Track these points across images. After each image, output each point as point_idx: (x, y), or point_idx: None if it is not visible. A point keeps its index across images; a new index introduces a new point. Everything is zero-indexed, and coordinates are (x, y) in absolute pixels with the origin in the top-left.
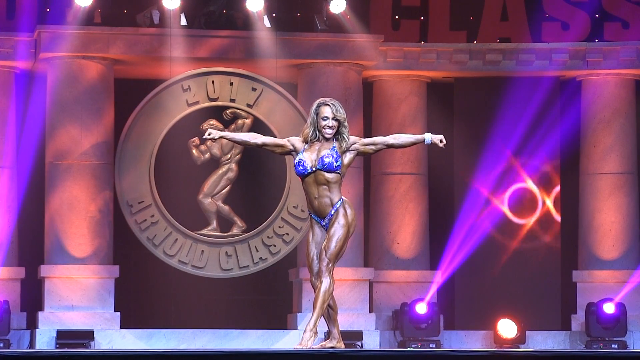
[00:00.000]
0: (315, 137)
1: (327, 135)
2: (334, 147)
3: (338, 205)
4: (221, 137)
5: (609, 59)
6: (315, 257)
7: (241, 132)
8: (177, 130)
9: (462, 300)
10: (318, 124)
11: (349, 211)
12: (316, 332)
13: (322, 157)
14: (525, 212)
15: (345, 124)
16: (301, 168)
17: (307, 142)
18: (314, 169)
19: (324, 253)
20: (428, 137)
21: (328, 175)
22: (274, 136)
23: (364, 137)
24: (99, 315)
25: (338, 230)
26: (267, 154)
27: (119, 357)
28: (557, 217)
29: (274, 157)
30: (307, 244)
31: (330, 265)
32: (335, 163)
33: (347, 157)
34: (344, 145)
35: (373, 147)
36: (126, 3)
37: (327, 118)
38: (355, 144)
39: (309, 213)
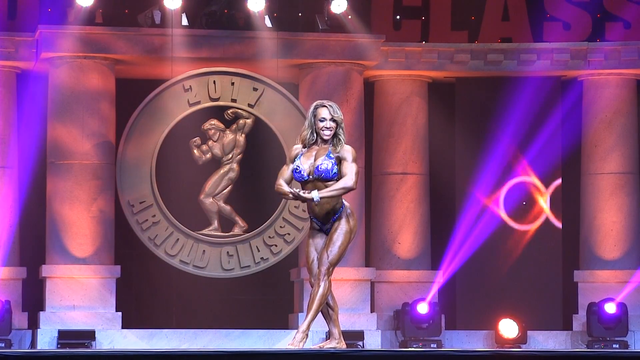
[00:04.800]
0: (314, 140)
1: (325, 137)
2: (330, 152)
3: (341, 211)
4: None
5: (610, 59)
6: (315, 259)
7: (242, 131)
8: (178, 130)
9: (463, 300)
10: (316, 126)
11: (351, 217)
12: (307, 335)
13: (318, 166)
14: (526, 211)
15: (342, 125)
16: (298, 175)
17: (305, 146)
18: (311, 176)
19: (325, 257)
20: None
21: (327, 183)
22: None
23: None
24: (101, 315)
25: (340, 236)
26: (268, 154)
27: (120, 357)
28: (559, 218)
29: (275, 157)
30: (307, 246)
31: (331, 269)
32: (332, 171)
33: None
34: (339, 149)
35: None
36: (127, 3)
37: (325, 119)
38: (340, 157)
39: (310, 216)
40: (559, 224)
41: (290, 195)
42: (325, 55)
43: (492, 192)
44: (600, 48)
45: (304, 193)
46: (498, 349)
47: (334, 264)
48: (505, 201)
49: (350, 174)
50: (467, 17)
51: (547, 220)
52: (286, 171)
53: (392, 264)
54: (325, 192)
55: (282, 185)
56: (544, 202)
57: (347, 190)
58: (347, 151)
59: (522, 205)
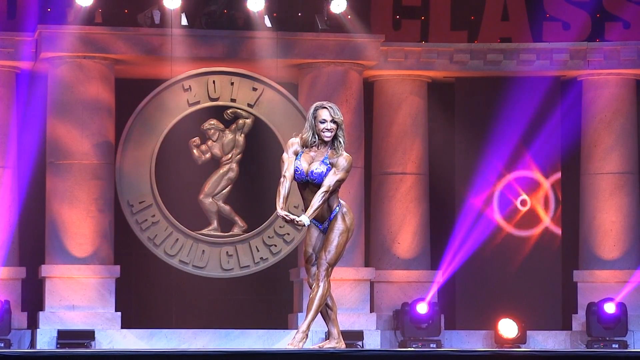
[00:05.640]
0: (314, 142)
1: (325, 139)
2: (326, 157)
3: (337, 211)
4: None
5: (609, 59)
6: (313, 259)
7: (242, 131)
8: (177, 130)
9: (462, 300)
10: (316, 128)
11: (347, 216)
12: (307, 335)
13: (311, 171)
14: (525, 211)
15: (343, 126)
16: (297, 175)
17: (305, 147)
18: (307, 177)
19: (324, 257)
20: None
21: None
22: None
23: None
24: (100, 315)
25: (337, 236)
26: (267, 154)
27: (119, 357)
28: (558, 217)
29: (275, 157)
30: (304, 246)
31: (329, 269)
32: (324, 177)
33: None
34: (338, 152)
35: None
36: (127, 3)
37: (325, 121)
38: (335, 164)
39: None
40: (558, 225)
41: (283, 219)
42: (325, 55)
43: (491, 191)
44: (600, 48)
45: (296, 222)
46: (497, 349)
47: (332, 264)
48: (504, 201)
49: (324, 185)
50: (467, 17)
51: (547, 220)
52: (291, 166)
53: (391, 263)
54: (311, 212)
55: (280, 197)
56: (543, 202)
57: (325, 198)
58: (342, 159)
59: (521, 205)
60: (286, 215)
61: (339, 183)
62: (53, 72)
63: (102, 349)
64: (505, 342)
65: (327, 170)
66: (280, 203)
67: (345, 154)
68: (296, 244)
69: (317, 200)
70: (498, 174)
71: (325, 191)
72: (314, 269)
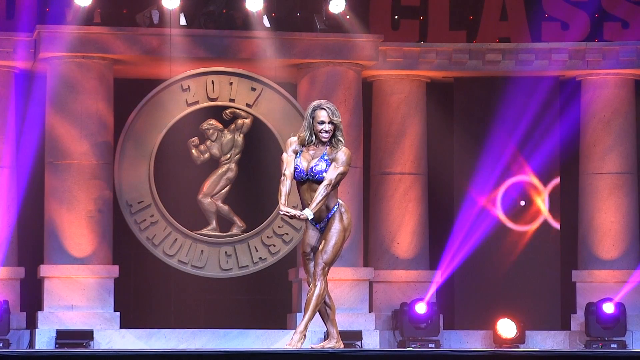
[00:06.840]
0: (312, 141)
1: (323, 139)
2: (324, 154)
3: (334, 210)
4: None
5: (608, 59)
6: (311, 258)
7: (241, 131)
8: (176, 130)
9: (461, 300)
10: (314, 128)
11: (345, 216)
12: (305, 335)
13: (312, 167)
14: (524, 211)
15: (341, 127)
16: (298, 173)
17: (303, 145)
18: (307, 175)
19: (321, 257)
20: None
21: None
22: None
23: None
24: (99, 315)
25: (334, 235)
26: (266, 154)
27: (118, 357)
28: (557, 217)
29: (274, 157)
30: (302, 246)
31: (326, 269)
32: (325, 172)
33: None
34: (339, 146)
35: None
36: (126, 3)
37: (324, 122)
38: (334, 158)
39: None
40: (557, 225)
41: (286, 216)
42: (324, 55)
43: (490, 192)
44: (599, 48)
45: (298, 217)
46: (496, 349)
47: (329, 264)
48: (503, 201)
49: (327, 178)
50: (466, 17)
51: (545, 221)
52: (291, 164)
53: (390, 263)
54: (314, 205)
55: (282, 194)
56: (542, 202)
57: (328, 191)
58: (341, 153)
59: (520, 205)
60: (288, 211)
61: (341, 176)
62: (52, 72)
63: (100, 349)
64: (504, 342)
65: (327, 166)
66: (282, 200)
67: (343, 147)
68: (295, 244)
69: (320, 193)
70: (497, 173)
71: (328, 184)
72: (311, 268)
